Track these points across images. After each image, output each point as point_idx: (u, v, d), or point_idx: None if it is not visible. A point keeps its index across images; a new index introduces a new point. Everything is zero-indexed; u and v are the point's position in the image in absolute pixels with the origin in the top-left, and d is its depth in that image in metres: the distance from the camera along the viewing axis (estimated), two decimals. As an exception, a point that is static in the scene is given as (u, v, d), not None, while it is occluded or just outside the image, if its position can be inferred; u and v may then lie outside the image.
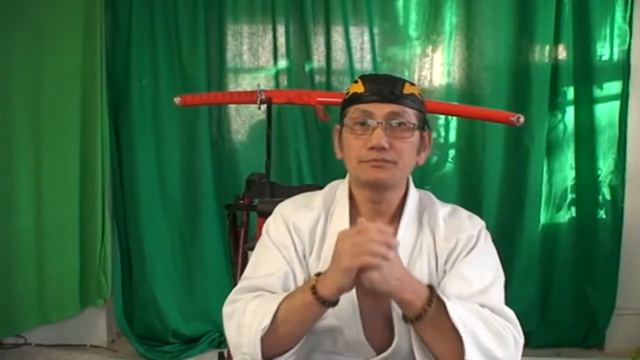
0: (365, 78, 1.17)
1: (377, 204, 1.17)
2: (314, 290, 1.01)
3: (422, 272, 1.15)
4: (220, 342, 2.75)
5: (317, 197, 1.24)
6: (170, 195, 2.75)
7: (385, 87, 1.13)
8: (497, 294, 1.11)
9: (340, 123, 1.19)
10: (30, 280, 2.60)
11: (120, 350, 2.75)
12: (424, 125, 1.18)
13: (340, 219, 1.18)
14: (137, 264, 2.75)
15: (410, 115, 1.13)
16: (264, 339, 1.03)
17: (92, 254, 2.68)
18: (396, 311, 1.12)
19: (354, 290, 1.10)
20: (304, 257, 1.17)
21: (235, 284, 1.20)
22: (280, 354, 1.07)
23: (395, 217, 1.19)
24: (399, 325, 1.12)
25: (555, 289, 2.81)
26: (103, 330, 2.78)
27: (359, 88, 1.15)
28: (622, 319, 2.77)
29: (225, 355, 1.77)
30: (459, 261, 1.14)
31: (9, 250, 2.55)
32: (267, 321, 1.04)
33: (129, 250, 2.77)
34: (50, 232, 2.61)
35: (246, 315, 1.07)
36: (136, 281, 2.77)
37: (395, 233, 1.15)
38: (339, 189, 1.23)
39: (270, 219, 1.23)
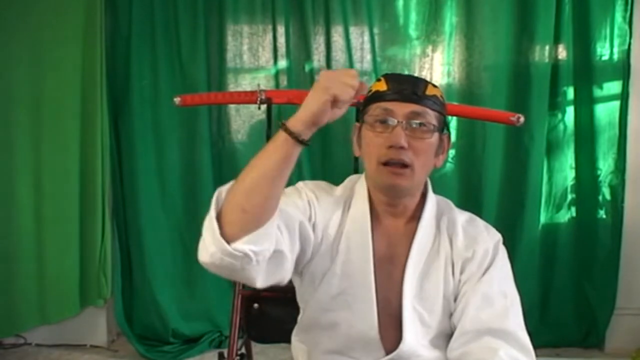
0: (388, 76, 1.17)
1: (394, 207, 1.18)
2: (284, 127, 0.97)
3: (437, 275, 1.16)
4: (220, 342, 2.75)
5: (337, 188, 1.25)
6: (170, 195, 2.75)
7: (408, 86, 1.13)
8: (514, 318, 1.12)
9: (360, 120, 1.19)
10: (30, 280, 2.60)
11: (120, 351, 2.75)
12: (443, 127, 1.18)
13: (359, 212, 1.18)
14: (137, 264, 2.75)
15: (431, 117, 1.13)
16: (223, 213, 0.96)
17: (92, 254, 2.67)
18: (408, 310, 1.13)
19: (372, 283, 1.12)
20: (313, 228, 1.15)
21: (235, 284, 1.20)
22: (247, 229, 0.95)
23: (413, 219, 1.19)
24: (408, 325, 1.13)
25: (555, 289, 2.81)
26: (103, 331, 2.78)
27: (382, 86, 1.15)
28: (622, 319, 2.77)
29: (225, 355, 1.77)
30: (477, 276, 1.14)
31: (9, 250, 2.55)
32: (226, 186, 1.00)
33: (129, 250, 2.77)
34: (50, 232, 2.61)
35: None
36: (136, 281, 2.77)
37: (413, 234, 1.17)
38: (358, 184, 1.23)
39: (290, 188, 1.21)
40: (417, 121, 1.12)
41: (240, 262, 0.95)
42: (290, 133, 0.96)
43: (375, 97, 1.15)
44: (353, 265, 1.15)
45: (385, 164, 1.12)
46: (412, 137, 1.11)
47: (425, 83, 1.16)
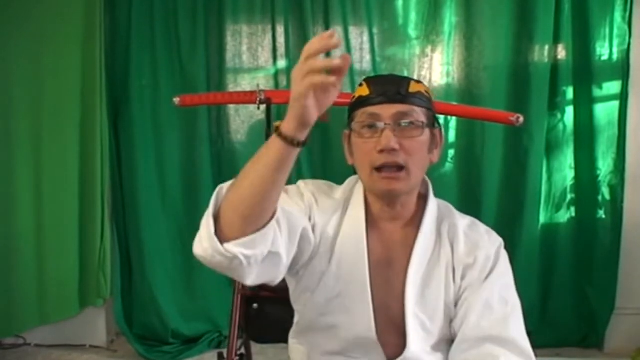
0: (369, 80, 1.15)
1: (391, 209, 1.16)
2: (278, 131, 0.91)
3: (438, 281, 1.15)
4: (220, 342, 2.75)
5: (337, 189, 1.23)
6: (170, 195, 2.75)
7: (391, 87, 1.11)
8: (515, 325, 1.10)
9: (348, 128, 1.17)
10: (30, 280, 2.60)
11: (120, 351, 2.75)
12: (433, 122, 1.16)
13: (355, 216, 1.17)
14: (137, 264, 2.75)
15: (419, 114, 1.11)
16: (221, 212, 0.95)
17: (91, 254, 2.68)
18: (411, 318, 1.12)
19: (368, 286, 1.11)
20: (313, 229, 1.14)
21: (235, 285, 1.19)
22: (243, 232, 0.94)
23: (411, 223, 1.18)
24: (412, 332, 1.11)
25: (555, 289, 2.81)
26: (102, 331, 2.78)
27: (364, 91, 1.13)
28: (621, 319, 2.77)
29: (225, 355, 1.77)
30: (479, 283, 1.13)
31: (9, 250, 2.55)
32: (227, 183, 0.98)
33: (128, 250, 2.77)
34: (50, 232, 2.61)
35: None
36: (136, 281, 2.77)
37: (412, 239, 1.15)
38: (356, 186, 1.21)
39: (292, 187, 1.20)
40: (406, 121, 1.10)
41: (231, 263, 0.94)
42: (284, 138, 0.90)
43: (359, 102, 1.13)
44: (348, 268, 1.14)
45: (379, 168, 1.10)
46: (402, 137, 1.09)
47: (408, 81, 1.13)
